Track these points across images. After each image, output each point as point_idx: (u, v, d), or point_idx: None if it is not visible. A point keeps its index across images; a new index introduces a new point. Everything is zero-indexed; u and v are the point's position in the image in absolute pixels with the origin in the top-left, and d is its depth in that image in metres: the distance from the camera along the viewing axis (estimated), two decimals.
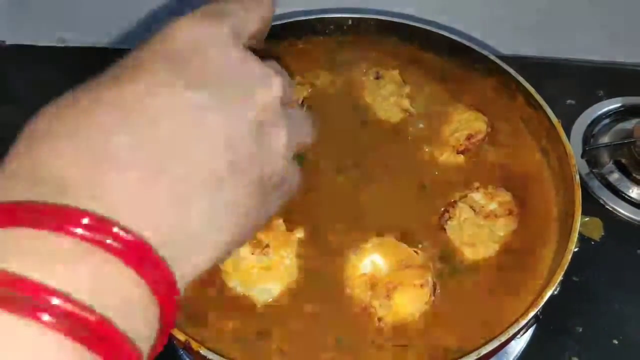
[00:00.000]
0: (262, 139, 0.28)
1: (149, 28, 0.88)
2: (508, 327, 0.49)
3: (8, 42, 0.93)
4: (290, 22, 0.73)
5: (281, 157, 0.30)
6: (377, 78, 0.73)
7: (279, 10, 0.81)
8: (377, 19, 0.73)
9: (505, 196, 0.62)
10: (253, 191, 0.28)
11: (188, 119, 0.26)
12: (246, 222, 0.29)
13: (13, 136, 0.25)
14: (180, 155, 0.25)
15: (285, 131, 0.30)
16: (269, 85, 0.29)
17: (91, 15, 0.88)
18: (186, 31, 0.28)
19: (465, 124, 0.68)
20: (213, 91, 0.27)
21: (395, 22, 0.73)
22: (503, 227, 0.60)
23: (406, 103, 0.70)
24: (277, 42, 0.74)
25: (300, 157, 0.65)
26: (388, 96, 0.71)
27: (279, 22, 0.73)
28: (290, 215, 0.61)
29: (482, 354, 0.48)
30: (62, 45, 0.92)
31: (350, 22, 0.74)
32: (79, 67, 0.88)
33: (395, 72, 0.73)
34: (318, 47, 0.75)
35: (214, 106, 0.26)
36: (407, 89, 0.71)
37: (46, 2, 0.87)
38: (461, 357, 0.48)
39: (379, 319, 0.54)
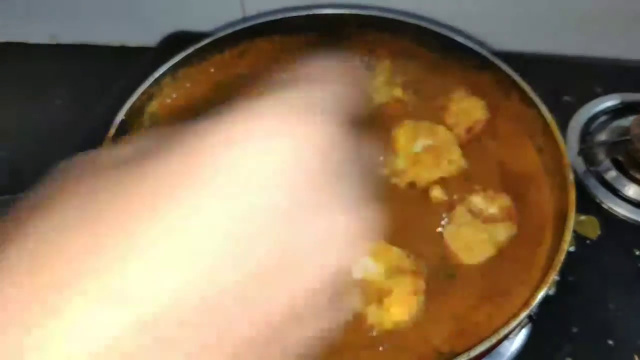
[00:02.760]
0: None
1: (139, 26, 0.88)
2: (499, 328, 0.49)
3: None
4: (280, 19, 0.73)
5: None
6: (368, 69, 0.72)
7: (271, 6, 0.81)
8: (366, 15, 0.72)
9: (506, 200, 0.60)
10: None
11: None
12: None
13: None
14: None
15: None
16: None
17: (82, 12, 0.87)
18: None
19: (463, 115, 0.67)
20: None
21: (386, 17, 0.72)
22: (502, 232, 0.58)
23: (399, 93, 0.69)
24: (269, 39, 0.73)
25: None
26: (380, 87, 0.70)
27: (270, 18, 0.72)
28: None
29: (472, 356, 0.47)
30: (54, 42, 0.91)
31: (340, 18, 0.73)
32: (70, 65, 0.88)
33: (387, 62, 0.72)
34: (309, 43, 0.74)
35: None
36: (399, 80, 0.70)
37: None
38: (452, 358, 0.47)
39: (371, 326, 0.53)
